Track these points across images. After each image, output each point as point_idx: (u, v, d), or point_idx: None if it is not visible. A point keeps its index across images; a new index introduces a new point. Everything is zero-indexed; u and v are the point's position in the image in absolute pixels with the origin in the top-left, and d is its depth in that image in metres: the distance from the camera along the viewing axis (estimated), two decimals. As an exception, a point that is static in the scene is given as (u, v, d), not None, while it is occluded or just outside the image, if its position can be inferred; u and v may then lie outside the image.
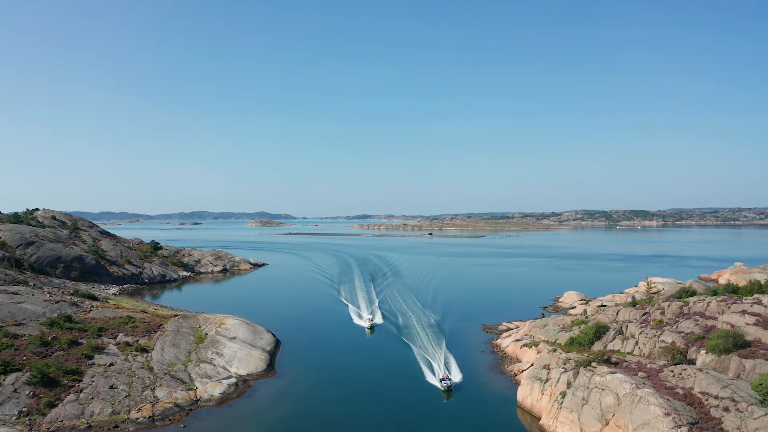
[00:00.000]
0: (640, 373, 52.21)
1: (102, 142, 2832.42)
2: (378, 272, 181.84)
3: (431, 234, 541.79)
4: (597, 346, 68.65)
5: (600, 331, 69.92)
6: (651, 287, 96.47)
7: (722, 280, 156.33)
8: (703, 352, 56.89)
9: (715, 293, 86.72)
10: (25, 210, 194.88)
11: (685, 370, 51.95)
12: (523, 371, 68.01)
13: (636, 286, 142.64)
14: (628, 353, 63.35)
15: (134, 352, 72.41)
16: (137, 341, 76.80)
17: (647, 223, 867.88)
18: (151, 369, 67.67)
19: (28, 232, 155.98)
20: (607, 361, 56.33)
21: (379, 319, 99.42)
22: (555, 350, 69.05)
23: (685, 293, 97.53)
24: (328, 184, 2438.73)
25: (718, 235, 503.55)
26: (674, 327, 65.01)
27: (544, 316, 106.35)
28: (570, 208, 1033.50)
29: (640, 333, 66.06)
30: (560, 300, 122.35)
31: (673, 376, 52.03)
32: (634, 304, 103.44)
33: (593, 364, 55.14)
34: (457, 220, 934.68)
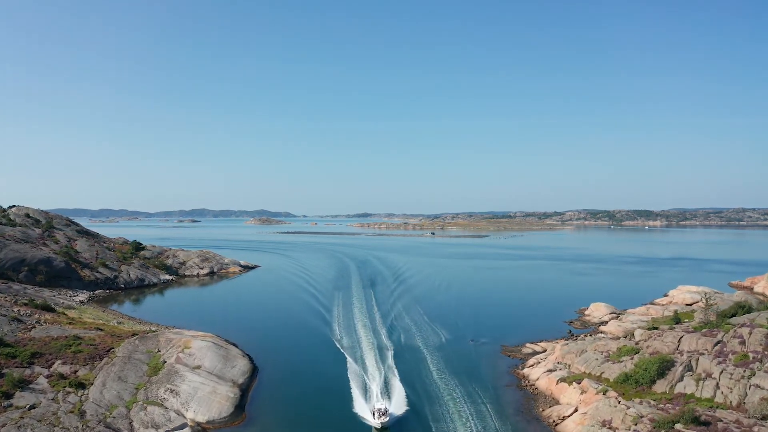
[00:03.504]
0: (752, 446, 36.36)
1: (102, 140, 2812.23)
2: (380, 279, 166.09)
3: (433, 234, 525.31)
4: (660, 386, 52.73)
5: (664, 366, 53.95)
6: (710, 303, 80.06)
7: (758, 288, 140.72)
8: (824, 406, 41.07)
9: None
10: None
11: (819, 441, 36.12)
12: (564, 418, 52.10)
13: (666, 295, 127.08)
14: (709, 401, 47.45)
15: (67, 388, 56.52)
16: (75, 372, 60.93)
17: (651, 223, 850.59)
18: (82, 414, 51.82)
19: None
20: (696, 421, 40.35)
21: (398, 404, 55.93)
22: (605, 391, 53.21)
23: (741, 309, 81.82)
24: (329, 183, 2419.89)
25: (725, 235, 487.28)
26: (766, 364, 49.16)
27: (572, 334, 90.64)
28: (571, 208, 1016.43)
29: (721, 372, 50.12)
30: (586, 313, 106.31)
31: (800, 449, 36.22)
32: (676, 320, 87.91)
33: (678, 426, 39.23)
34: (459, 219, 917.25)
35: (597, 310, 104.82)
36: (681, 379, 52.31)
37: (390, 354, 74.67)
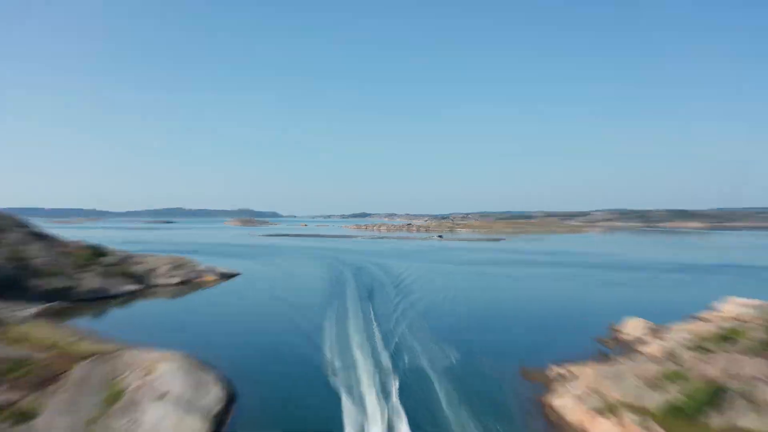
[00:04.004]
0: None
1: (60, 129, 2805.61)
2: (378, 288, 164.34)
3: (441, 236, 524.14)
4: (713, 420, 50.86)
5: (717, 395, 52.08)
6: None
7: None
8: None
9: None
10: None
11: None
12: (599, 458, 50.22)
13: (713, 308, 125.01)
14: (773, 437, 45.56)
15: (8, 421, 54.72)
16: (19, 401, 59.08)
17: (691, 224, 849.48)
18: (25, 452, 49.96)
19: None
20: (760, 464, 38.45)
21: None
22: (648, 425, 51.32)
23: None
24: (322, 179, 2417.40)
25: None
26: (841, 394, 47.24)
27: (604, 354, 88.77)
28: (598, 207, 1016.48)
29: (786, 402, 48.25)
30: (620, 330, 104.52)
31: None
32: (725, 338, 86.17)
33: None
34: (470, 219, 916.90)
35: (633, 327, 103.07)
36: (738, 411, 50.45)
37: (394, 388, 69.16)
